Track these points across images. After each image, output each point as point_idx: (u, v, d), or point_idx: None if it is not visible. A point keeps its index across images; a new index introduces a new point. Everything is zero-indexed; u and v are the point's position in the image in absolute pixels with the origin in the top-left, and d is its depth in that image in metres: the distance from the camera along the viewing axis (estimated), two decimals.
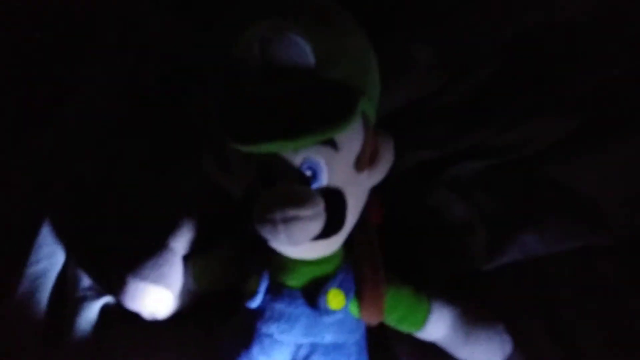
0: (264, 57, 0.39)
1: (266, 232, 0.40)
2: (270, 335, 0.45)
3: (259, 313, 0.46)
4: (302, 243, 0.41)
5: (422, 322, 0.47)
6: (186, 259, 0.52)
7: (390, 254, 0.49)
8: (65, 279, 0.56)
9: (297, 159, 0.41)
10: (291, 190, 0.40)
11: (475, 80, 0.64)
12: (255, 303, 0.46)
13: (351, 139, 0.42)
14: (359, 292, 0.46)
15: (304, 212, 0.39)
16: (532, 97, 0.62)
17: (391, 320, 0.48)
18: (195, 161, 0.56)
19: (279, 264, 0.46)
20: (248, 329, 0.46)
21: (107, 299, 0.55)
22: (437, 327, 0.48)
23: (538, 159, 0.57)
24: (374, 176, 0.46)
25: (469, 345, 0.47)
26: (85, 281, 0.55)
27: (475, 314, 0.48)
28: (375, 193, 0.48)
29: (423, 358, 0.50)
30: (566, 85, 0.62)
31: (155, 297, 0.49)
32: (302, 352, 0.45)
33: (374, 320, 0.47)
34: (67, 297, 0.55)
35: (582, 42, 0.64)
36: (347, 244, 0.47)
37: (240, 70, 0.40)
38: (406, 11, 0.71)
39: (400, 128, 0.53)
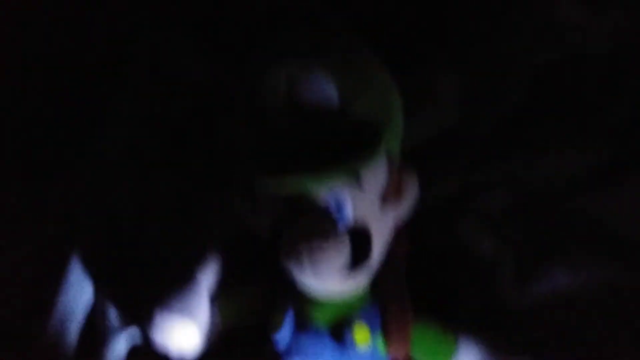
0: (290, 96, 0.40)
1: (291, 264, 0.40)
2: None
3: (285, 349, 0.46)
4: (326, 274, 0.41)
5: (450, 358, 0.47)
6: (213, 294, 0.52)
7: (417, 288, 0.49)
8: (94, 313, 0.57)
9: (322, 195, 0.42)
10: (315, 222, 0.40)
11: (502, 111, 0.64)
12: (281, 340, 0.46)
13: (376, 174, 0.43)
14: (385, 327, 0.46)
15: (328, 243, 0.39)
16: (561, 128, 0.61)
17: (418, 357, 0.47)
18: (225, 195, 0.57)
19: (306, 301, 0.46)
20: None
21: (135, 332, 0.55)
22: None
23: (568, 191, 0.57)
24: (399, 211, 0.46)
25: None
26: (114, 315, 0.56)
27: (504, 352, 0.47)
28: (402, 226, 0.48)
29: None
30: (597, 116, 0.61)
31: (182, 330, 0.49)
32: None
33: (400, 356, 0.47)
34: (96, 331, 0.56)
35: (608, 75, 0.64)
36: (374, 280, 0.47)
37: (266, 108, 0.41)
38: (430, 41, 0.72)
39: (427, 159, 0.53)
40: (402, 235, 0.49)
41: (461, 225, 0.57)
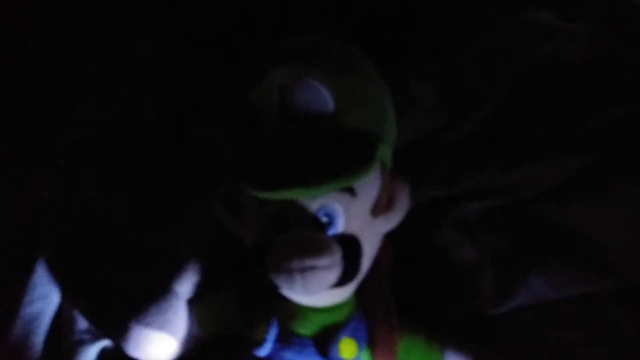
0: (283, 103, 0.38)
1: (281, 281, 0.38)
2: None
3: None
4: (318, 293, 0.39)
5: None
6: (190, 302, 0.50)
7: (399, 297, 0.48)
8: (61, 321, 0.54)
9: (313, 205, 0.40)
10: (308, 238, 0.39)
11: (477, 119, 0.64)
12: (264, 352, 0.44)
13: (369, 185, 0.42)
14: (371, 340, 0.45)
15: (321, 262, 0.38)
16: (535, 137, 0.62)
17: None
18: (200, 201, 0.55)
19: (289, 311, 0.45)
20: None
21: (105, 342, 0.53)
22: None
23: (544, 200, 0.57)
24: (390, 222, 0.45)
25: None
26: (82, 324, 0.53)
27: None
28: (385, 235, 0.47)
29: None
30: (569, 125, 0.62)
31: (160, 344, 0.47)
32: None
33: None
34: (63, 340, 0.53)
35: (582, 82, 0.65)
36: (359, 289, 0.46)
37: (258, 116, 0.39)
38: (406, 49, 0.72)
39: (403, 167, 0.52)
40: (387, 246, 0.48)
41: (441, 232, 0.57)
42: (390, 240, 0.49)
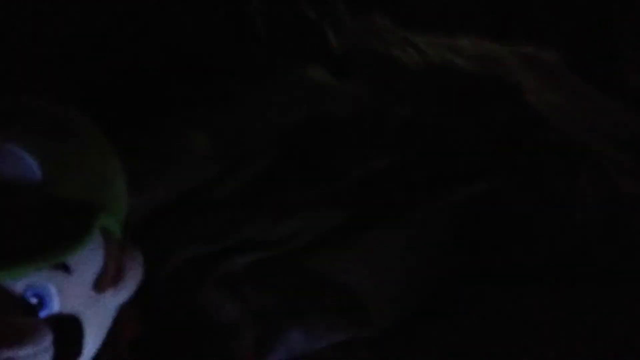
0: None
1: None
2: None
3: None
4: None
5: None
6: None
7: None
8: None
9: (18, 286, 0.36)
10: (7, 325, 0.34)
11: (247, 173, 0.65)
12: None
13: (88, 259, 0.38)
14: None
15: (22, 352, 0.34)
16: (303, 190, 0.64)
17: None
18: None
19: None
20: None
21: None
22: None
23: (307, 252, 0.59)
24: (121, 295, 0.42)
25: None
26: None
27: None
28: (134, 301, 0.44)
29: None
30: (334, 178, 0.65)
31: None
32: None
33: None
34: None
35: (343, 137, 0.69)
36: None
37: None
38: (181, 98, 0.71)
39: (171, 222, 0.50)
40: (130, 317, 0.45)
41: (204, 290, 0.56)
42: (140, 306, 0.46)
